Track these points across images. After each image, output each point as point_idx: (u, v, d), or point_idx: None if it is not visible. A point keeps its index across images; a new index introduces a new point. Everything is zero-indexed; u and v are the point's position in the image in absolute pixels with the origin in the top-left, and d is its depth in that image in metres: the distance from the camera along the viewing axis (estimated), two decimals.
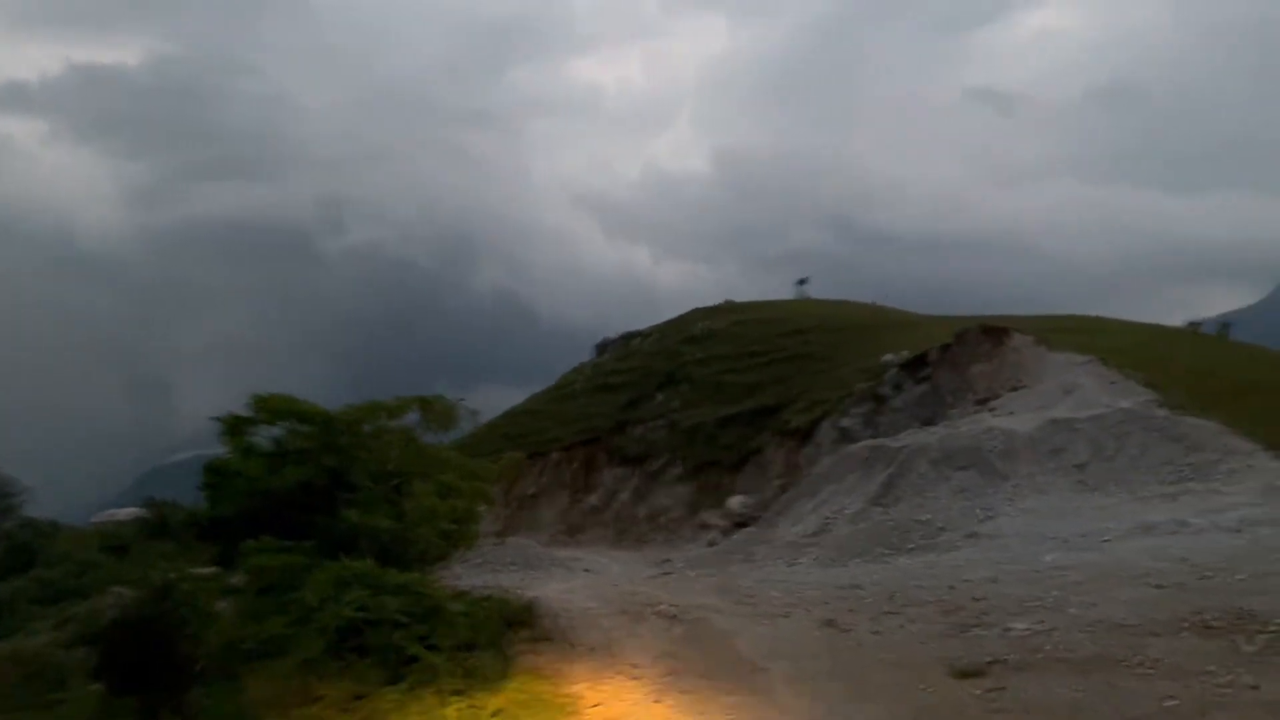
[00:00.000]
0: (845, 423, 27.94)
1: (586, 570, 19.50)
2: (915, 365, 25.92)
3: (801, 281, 55.37)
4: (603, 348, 55.14)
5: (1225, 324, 35.18)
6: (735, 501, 29.58)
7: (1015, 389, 20.51)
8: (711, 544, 29.04)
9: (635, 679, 9.11)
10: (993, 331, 22.01)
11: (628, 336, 54.14)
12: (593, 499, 41.93)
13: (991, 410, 19.25)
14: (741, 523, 29.07)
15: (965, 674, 7.85)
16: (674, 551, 31.48)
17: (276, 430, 11.05)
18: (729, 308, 52.10)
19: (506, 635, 9.82)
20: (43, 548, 79.27)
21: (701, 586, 13.28)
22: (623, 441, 42.92)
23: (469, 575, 16.47)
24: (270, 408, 10.97)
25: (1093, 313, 37.53)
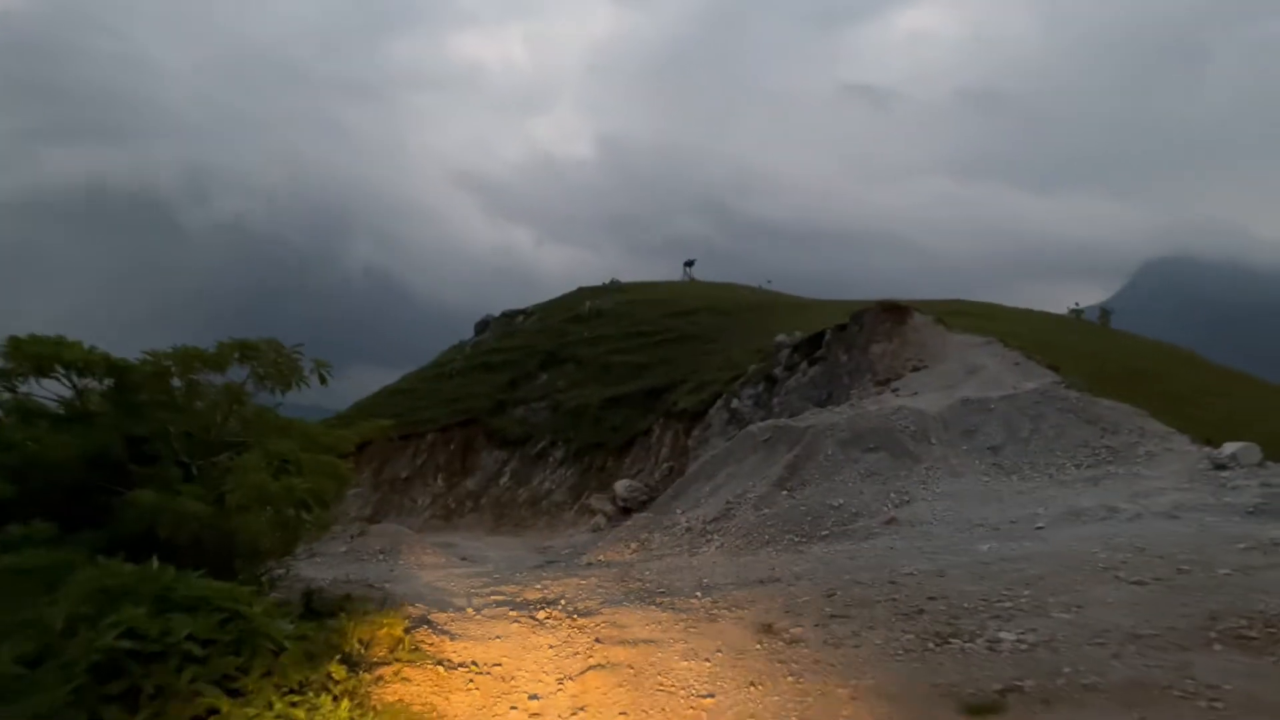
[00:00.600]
0: (736, 404, 26.87)
1: (464, 559, 17.58)
2: (809, 346, 25.00)
3: (689, 263, 54.33)
4: (483, 326, 52.90)
5: (1107, 311, 35.82)
6: (622, 485, 28.18)
7: (917, 369, 19.70)
8: (596, 529, 27.62)
9: (535, 717, 7.21)
10: (893, 310, 21.20)
11: (510, 315, 52.08)
12: (470, 483, 39.90)
13: (895, 391, 18.34)
14: (628, 508, 27.69)
15: (980, 711, 6.01)
16: (556, 538, 29.90)
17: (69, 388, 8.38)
18: (615, 288, 50.67)
19: (359, 655, 7.57)
20: None
21: (599, 578, 11.66)
22: (503, 423, 41.00)
23: (330, 566, 14.43)
24: (31, 353, 8.09)
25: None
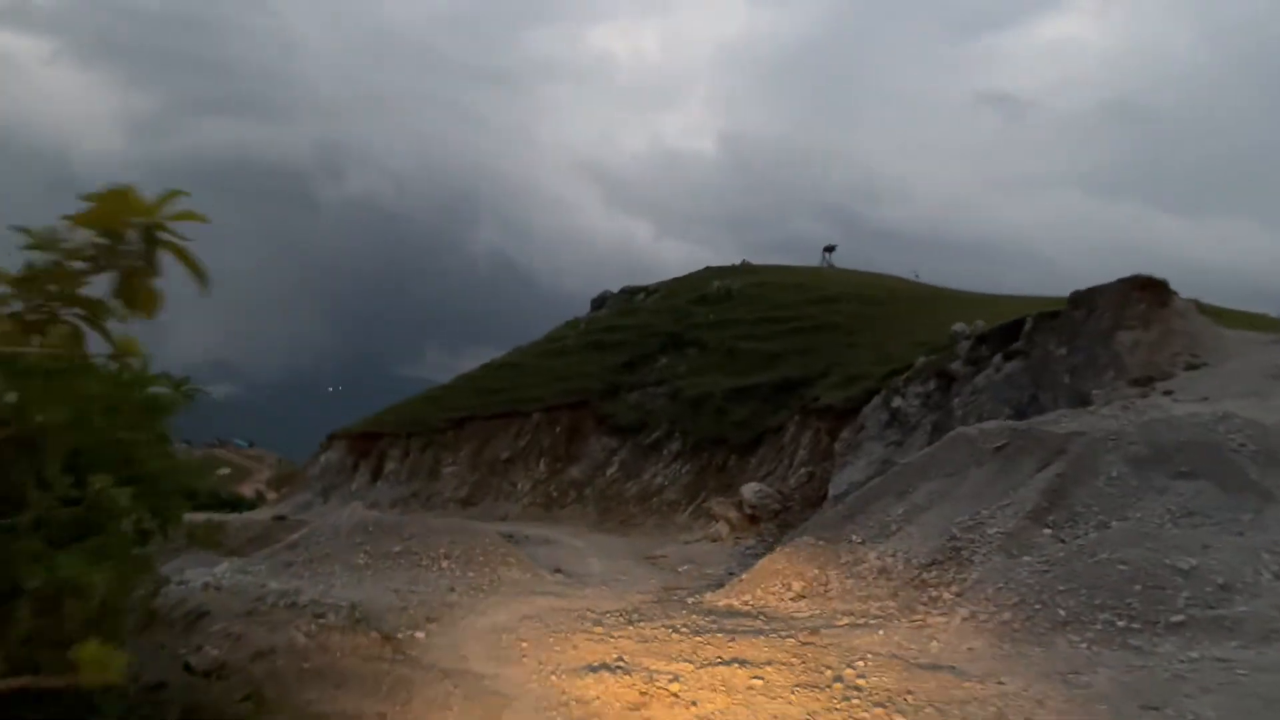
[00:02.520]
0: (899, 404, 22.16)
1: (558, 573, 13.68)
2: (1002, 337, 20.07)
3: (829, 249, 49.29)
4: (600, 302, 49.18)
5: None
6: (750, 490, 23.84)
7: (1193, 366, 14.75)
8: (716, 539, 23.40)
9: None
10: (1149, 287, 16.14)
11: (630, 291, 48.14)
12: (575, 470, 36.17)
13: (1169, 394, 13.47)
14: (756, 517, 23.39)
15: None
16: (669, 543, 25.78)
17: None
18: (747, 269, 46.15)
19: None
20: None
21: (767, 652, 7.47)
22: (615, 407, 37.13)
23: (368, 577, 10.81)
24: None
25: None
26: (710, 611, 10.36)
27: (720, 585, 13.15)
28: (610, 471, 35.22)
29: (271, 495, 59.82)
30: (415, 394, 49.36)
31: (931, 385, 21.92)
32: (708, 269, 47.66)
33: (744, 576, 11.74)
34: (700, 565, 17.60)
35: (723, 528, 23.74)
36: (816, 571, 10.65)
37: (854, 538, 11.46)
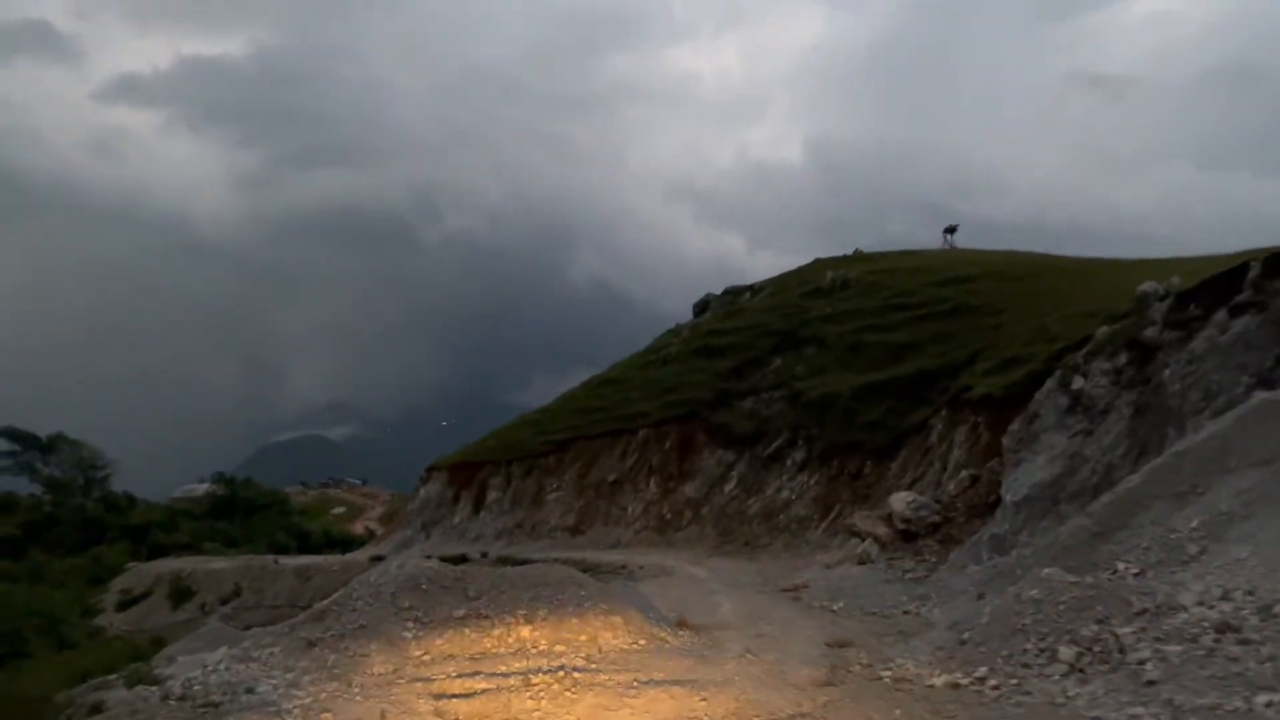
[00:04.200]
0: (1081, 384, 18.07)
1: (682, 626, 10.33)
2: (1218, 291, 15.87)
3: (950, 230, 44.83)
4: (703, 307, 45.87)
5: None
6: (902, 501, 20.04)
7: None
8: (865, 560, 19.70)
9: None
10: None
11: (734, 291, 44.68)
12: (689, 488, 32.84)
13: None
14: (912, 532, 19.58)
15: None
16: (804, 566, 22.19)
17: None
18: (861, 257, 42.13)
19: None
20: (112, 523, 75.03)
21: None
22: (728, 417, 33.68)
23: (414, 664, 7.74)
24: None
25: None
26: (936, 706, 6.97)
27: (904, 634, 9.65)
28: (728, 488, 31.77)
29: (380, 532, 58.38)
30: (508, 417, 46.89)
31: (1123, 359, 17.74)
32: (817, 260, 43.82)
33: (963, 635, 8.21)
34: (858, 599, 14.03)
35: (871, 547, 20.01)
36: (1095, 629, 7.06)
37: (1127, 567, 7.82)
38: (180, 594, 34.52)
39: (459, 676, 7.80)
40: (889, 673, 8.05)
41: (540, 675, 7.90)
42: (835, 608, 13.25)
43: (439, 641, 8.90)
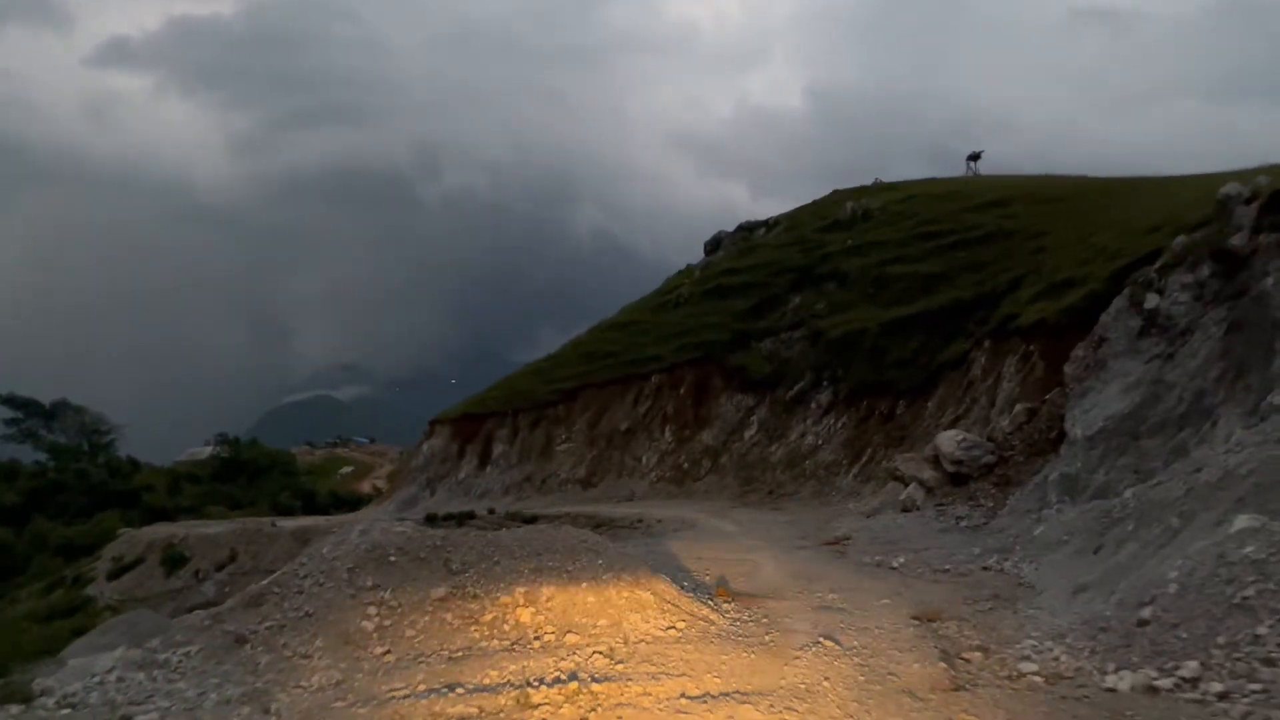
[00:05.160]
0: (1158, 303, 15.88)
1: (725, 599, 8.24)
2: None
3: (974, 157, 42.15)
4: (714, 245, 43.50)
5: None
6: (951, 440, 17.97)
7: None
8: (910, 506, 17.75)
9: None
10: None
11: (748, 227, 42.28)
12: (706, 436, 30.88)
13: None
14: (964, 474, 17.57)
15: None
16: (838, 515, 20.28)
17: None
18: (882, 187, 39.62)
19: None
20: (116, 488, 74.03)
21: None
22: (746, 359, 31.59)
23: (365, 673, 5.67)
24: None
25: None
26: None
27: (1003, 600, 7.59)
28: (749, 434, 29.81)
29: (386, 490, 56.80)
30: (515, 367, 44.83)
31: (1205, 272, 15.50)
32: (835, 192, 41.31)
33: (1141, 611, 6.00)
34: (918, 554, 12.01)
35: (916, 492, 18.02)
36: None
37: None
38: (174, 560, 32.82)
39: (428, 694, 5.72)
40: (1031, 666, 6.03)
41: (544, 688, 5.84)
42: (896, 564, 11.24)
43: (409, 633, 6.86)
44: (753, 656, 6.74)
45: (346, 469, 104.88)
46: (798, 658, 6.72)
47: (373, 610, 6.90)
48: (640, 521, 22.89)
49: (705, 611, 7.70)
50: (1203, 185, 24.51)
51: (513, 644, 6.67)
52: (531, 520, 27.86)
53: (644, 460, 31.78)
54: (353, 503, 68.60)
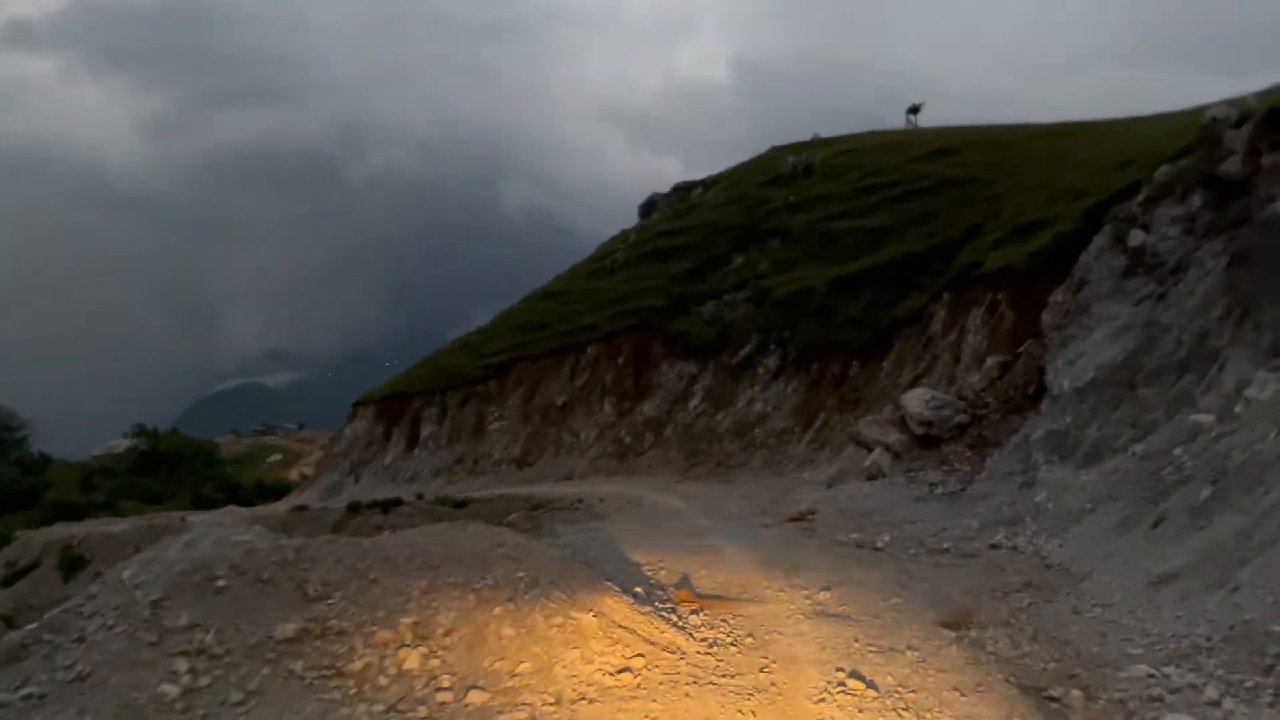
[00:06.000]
0: (1145, 239, 14.40)
1: (688, 605, 6.31)
2: None
3: (913, 109, 40.72)
4: (649, 207, 41.49)
5: None
6: (918, 400, 16.37)
7: None
8: (876, 473, 16.13)
9: None
10: None
11: (684, 188, 40.36)
12: (648, 407, 29.02)
13: None
14: (933, 436, 15.98)
15: None
16: (794, 485, 18.66)
17: None
18: (821, 142, 37.98)
19: None
20: (29, 486, 69.59)
21: None
22: (687, 324, 29.76)
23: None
24: None
25: None
26: None
27: (1041, 591, 5.86)
28: (693, 404, 28.02)
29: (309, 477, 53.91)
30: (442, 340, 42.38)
31: (1196, 202, 14.05)
32: (774, 148, 39.55)
33: None
34: (899, 529, 10.28)
35: (882, 457, 16.40)
36: None
37: None
38: (72, 563, 29.83)
39: None
40: (1155, 708, 4.23)
41: None
42: (881, 544, 9.52)
43: (233, 698, 4.63)
44: (752, 714, 4.83)
45: (274, 457, 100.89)
46: (820, 715, 4.82)
47: (182, 664, 4.79)
48: (580, 502, 20.98)
49: (669, 635, 5.79)
50: (1158, 125, 23.35)
51: (390, 708, 4.66)
52: (464, 504, 25.79)
53: (583, 436, 29.82)
54: (280, 491, 65.53)
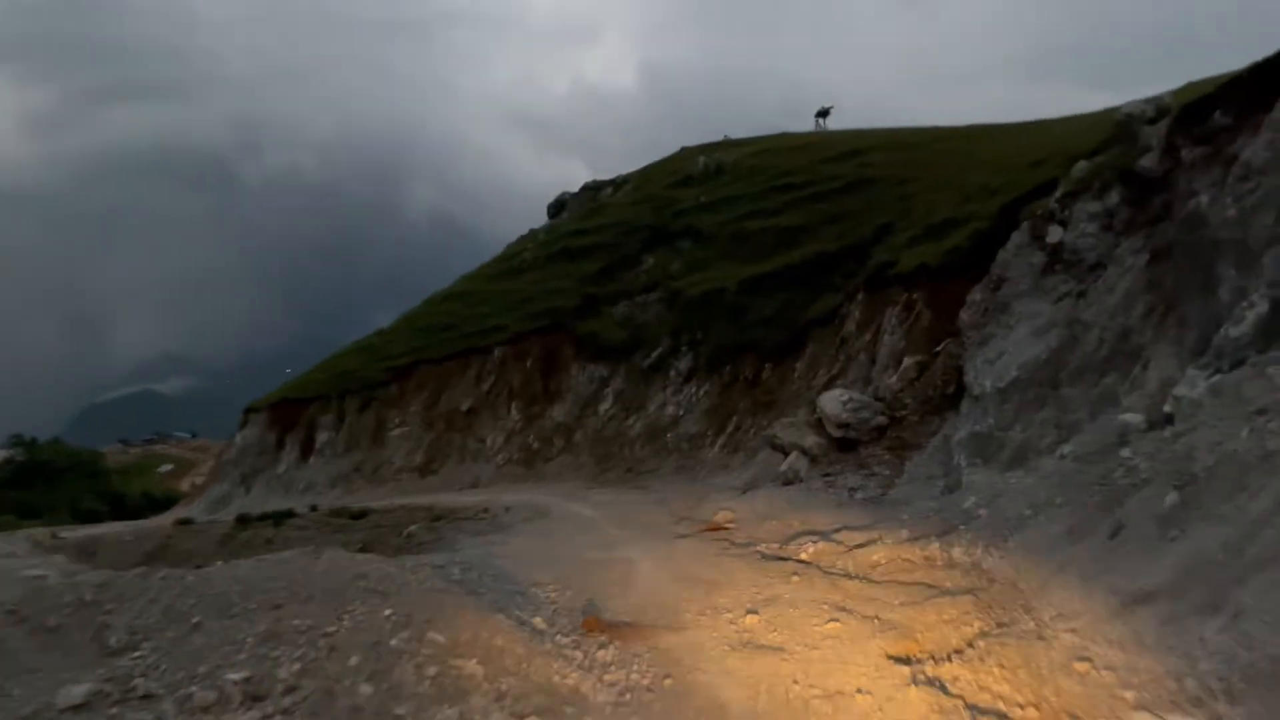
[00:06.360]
0: (1063, 236, 14.13)
1: (602, 634, 5.41)
2: (1248, 94, 11.98)
3: (822, 113, 40.73)
4: (558, 207, 40.49)
5: None
6: (835, 401, 15.83)
7: None
8: (794, 478, 15.53)
9: None
10: None
11: (594, 187, 39.49)
12: (557, 412, 28.07)
13: None
14: (851, 439, 15.47)
15: None
16: (709, 493, 17.90)
17: None
18: (731, 143, 37.60)
19: None
20: None
21: None
22: (597, 325, 28.95)
23: None
24: None
25: None
26: None
27: (995, 615, 5.17)
28: (604, 407, 27.18)
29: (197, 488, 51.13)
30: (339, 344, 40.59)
31: (1115, 198, 13.86)
32: (684, 149, 39.02)
33: None
34: (825, 535, 9.58)
35: (799, 461, 15.81)
36: None
37: None
38: None
39: None
40: None
41: None
42: (805, 555, 8.79)
43: None
44: None
45: (166, 467, 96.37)
46: None
47: None
48: (486, 511, 19.92)
49: (572, 681, 4.88)
50: (1062, 126, 23.52)
51: None
52: (361, 515, 24.36)
53: (489, 441, 28.67)
54: (168, 503, 62.34)
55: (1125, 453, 6.77)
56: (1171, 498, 5.28)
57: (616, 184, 38.31)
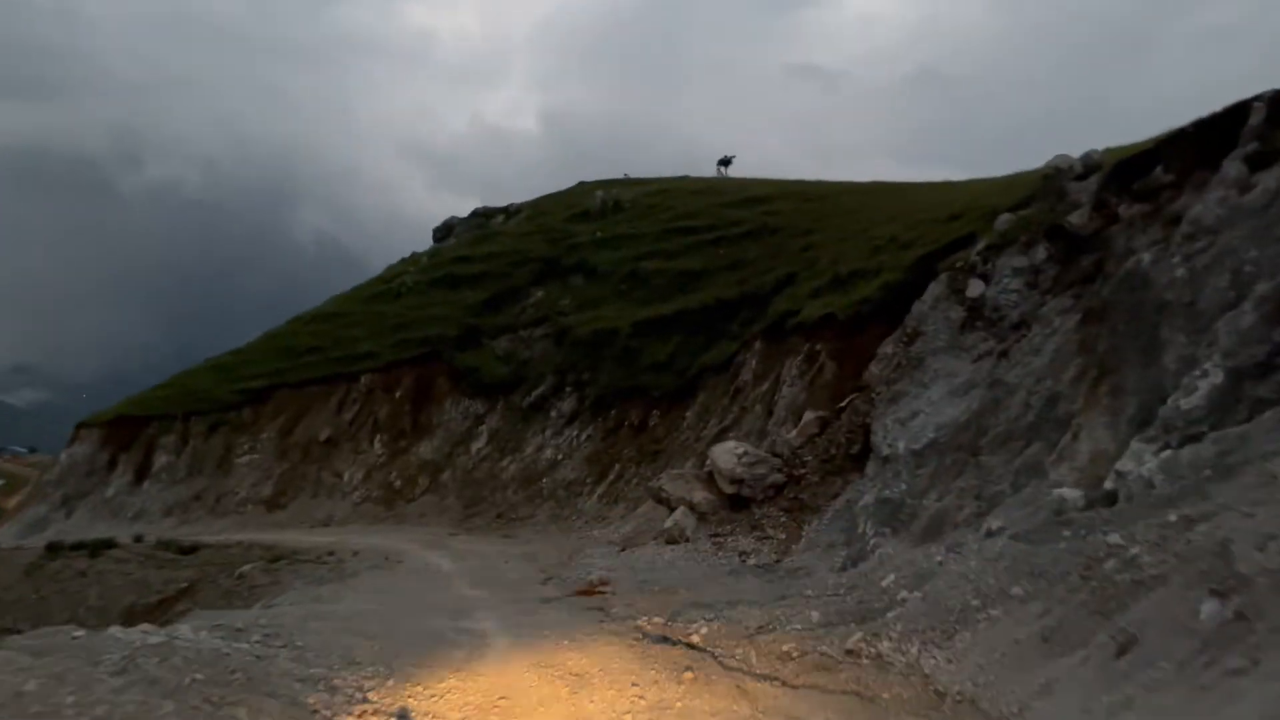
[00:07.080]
0: (983, 290, 13.11)
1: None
2: (1197, 151, 11.18)
3: (724, 162, 40.03)
4: (445, 231, 38.39)
5: None
6: (728, 454, 14.31)
7: None
8: (678, 537, 13.87)
9: None
10: None
11: (484, 214, 37.59)
12: (426, 448, 25.86)
13: None
14: (745, 496, 13.96)
15: None
16: (584, 546, 16.16)
17: None
18: (632, 181, 36.41)
19: None
20: None
21: None
22: (478, 359, 26.98)
23: None
24: None
25: None
26: None
27: None
28: (477, 446, 25.14)
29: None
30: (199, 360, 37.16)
31: (1041, 254, 12.92)
32: (581, 183, 37.59)
33: None
34: (721, 613, 7.95)
35: (685, 519, 14.18)
36: None
37: None
38: None
39: None
40: None
41: None
42: (697, 638, 7.15)
43: None
44: None
45: None
46: None
47: None
48: (331, 554, 17.66)
49: None
50: (973, 187, 22.97)
51: None
52: (192, 550, 21.63)
53: (347, 476, 26.16)
54: None
55: (1113, 538, 5.41)
56: (1210, 607, 3.90)
57: (509, 212, 36.56)
